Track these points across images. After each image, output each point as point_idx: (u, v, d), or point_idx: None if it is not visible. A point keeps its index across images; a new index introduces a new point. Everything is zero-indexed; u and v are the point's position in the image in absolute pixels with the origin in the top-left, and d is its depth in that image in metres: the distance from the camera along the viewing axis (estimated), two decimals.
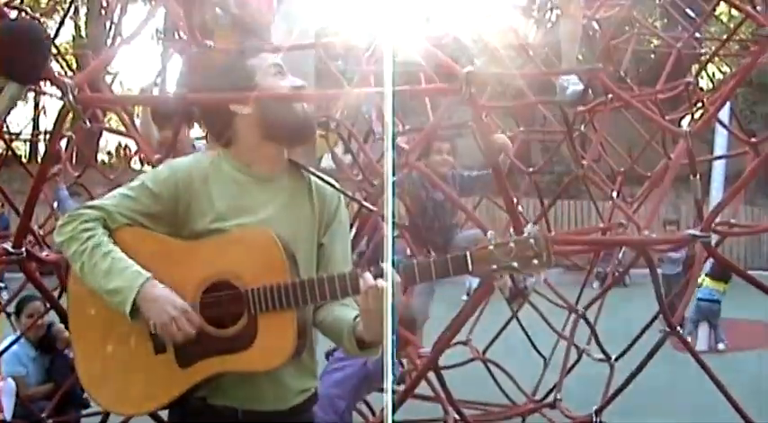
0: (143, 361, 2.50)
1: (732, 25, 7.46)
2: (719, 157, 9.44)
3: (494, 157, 3.32)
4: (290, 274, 2.43)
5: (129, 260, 2.45)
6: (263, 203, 2.59)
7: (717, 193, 10.40)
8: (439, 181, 3.90)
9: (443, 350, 4.04)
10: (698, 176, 3.92)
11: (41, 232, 6.99)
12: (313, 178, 2.73)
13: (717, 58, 9.05)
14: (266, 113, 2.60)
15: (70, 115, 3.21)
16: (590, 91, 4.79)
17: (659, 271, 9.47)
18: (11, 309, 6.70)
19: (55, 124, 3.21)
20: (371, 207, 3.43)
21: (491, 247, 2.37)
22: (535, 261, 2.35)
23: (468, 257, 2.37)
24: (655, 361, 4.63)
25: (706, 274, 10.93)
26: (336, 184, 2.78)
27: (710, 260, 7.49)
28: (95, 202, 2.60)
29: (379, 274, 2.32)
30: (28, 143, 24.48)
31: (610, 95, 5.44)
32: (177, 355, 2.47)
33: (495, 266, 2.36)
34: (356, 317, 2.48)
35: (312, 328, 2.65)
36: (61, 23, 9.43)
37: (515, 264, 2.35)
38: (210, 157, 2.68)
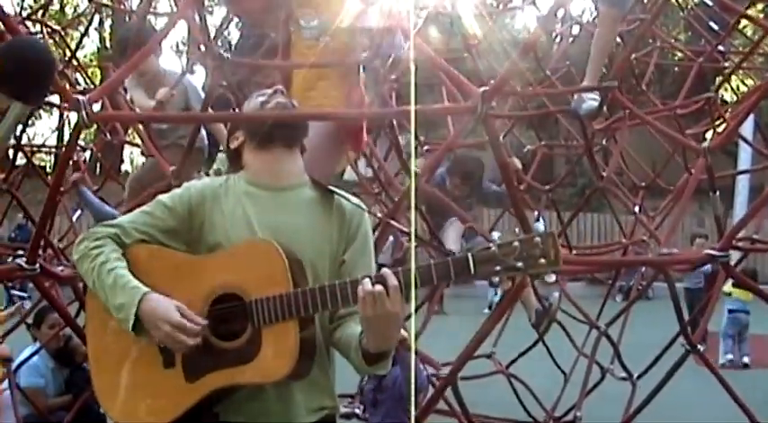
0: (153, 375, 2.52)
1: (756, 38, 7.37)
2: (742, 172, 9.34)
3: (507, 173, 3.28)
4: (292, 284, 2.42)
5: (129, 275, 2.49)
6: (276, 215, 2.61)
7: (741, 207, 10.30)
8: (447, 199, 3.83)
9: (461, 368, 3.99)
10: (717, 193, 3.87)
11: (60, 245, 7.02)
12: (336, 196, 2.73)
13: (740, 71, 8.97)
14: (248, 127, 2.72)
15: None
16: (604, 107, 4.78)
17: (681, 285, 9.39)
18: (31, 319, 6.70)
19: (69, 139, 3.22)
20: (395, 223, 3.40)
21: (494, 248, 2.27)
22: (542, 260, 2.24)
23: (471, 259, 2.27)
24: (680, 375, 4.55)
25: (733, 284, 10.78)
26: (357, 202, 2.77)
27: None
28: (112, 221, 2.67)
29: (380, 281, 2.29)
30: (52, 155, 24.57)
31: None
32: (185, 368, 2.48)
33: (498, 267, 2.26)
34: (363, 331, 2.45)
35: (323, 346, 2.63)
36: (83, 35, 9.49)
37: (520, 264, 2.24)
38: (225, 177, 2.75)
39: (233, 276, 2.48)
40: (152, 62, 4.99)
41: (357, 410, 5.68)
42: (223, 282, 2.48)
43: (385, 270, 2.32)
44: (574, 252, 7.35)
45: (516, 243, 2.25)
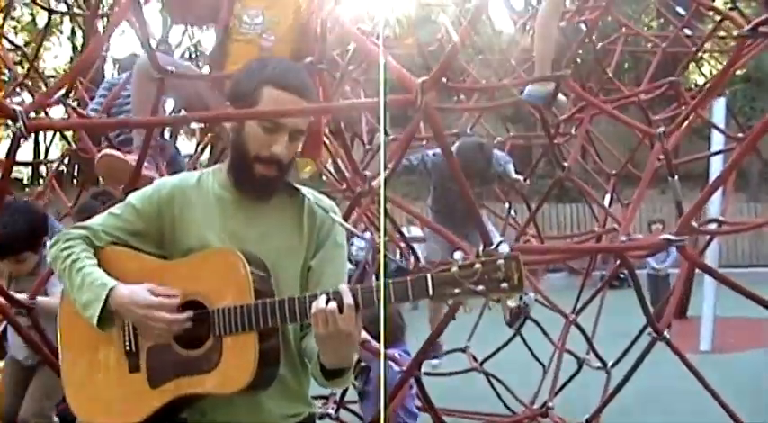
0: (119, 379, 2.52)
1: (728, 23, 7.34)
2: (712, 154, 9.33)
3: (455, 168, 3.23)
4: (254, 295, 2.38)
5: (97, 273, 2.48)
6: (245, 223, 2.57)
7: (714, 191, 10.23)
8: (411, 208, 3.75)
9: (422, 363, 3.97)
10: (676, 178, 3.83)
11: None
12: (307, 200, 2.66)
13: (713, 55, 8.96)
14: (231, 159, 2.61)
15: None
16: (560, 95, 4.75)
17: (646, 271, 9.36)
18: None
19: (9, 151, 3.18)
20: (358, 233, 3.34)
21: (454, 269, 2.16)
22: (504, 284, 2.12)
23: (429, 280, 2.18)
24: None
25: None
26: (331, 206, 2.69)
27: None
28: (83, 223, 2.65)
29: (335, 298, 2.23)
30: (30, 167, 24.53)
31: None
32: (149, 374, 2.48)
33: (457, 290, 2.16)
34: None
35: (296, 352, 2.60)
36: (39, 46, 9.53)
37: (481, 287, 2.14)
38: (199, 174, 2.70)
39: (198, 284, 2.46)
40: None
41: (330, 411, 5.63)
42: (188, 289, 2.46)
43: (342, 287, 2.26)
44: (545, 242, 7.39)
45: (478, 265, 2.15)
